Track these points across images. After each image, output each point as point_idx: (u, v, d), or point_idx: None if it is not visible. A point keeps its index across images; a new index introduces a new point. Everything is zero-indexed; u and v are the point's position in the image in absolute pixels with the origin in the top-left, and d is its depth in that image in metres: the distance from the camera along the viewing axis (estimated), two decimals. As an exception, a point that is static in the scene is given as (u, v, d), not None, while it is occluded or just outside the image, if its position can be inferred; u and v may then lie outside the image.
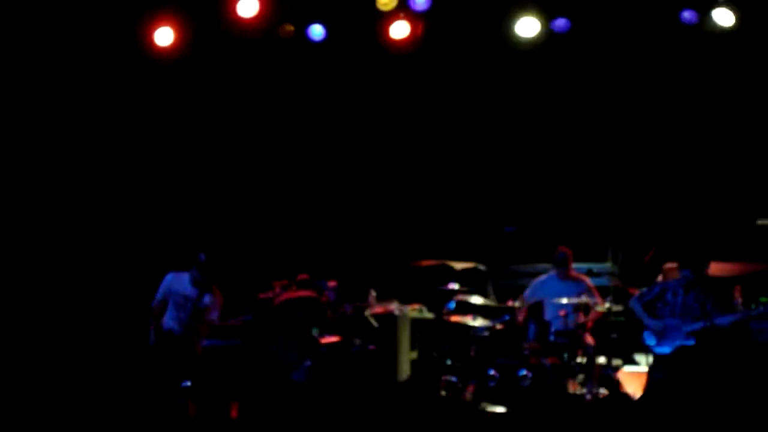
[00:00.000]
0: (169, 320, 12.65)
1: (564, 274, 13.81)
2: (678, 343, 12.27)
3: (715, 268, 12.87)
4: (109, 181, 15.45)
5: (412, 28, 14.52)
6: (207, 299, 12.54)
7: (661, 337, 12.39)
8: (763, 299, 13.23)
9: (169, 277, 12.72)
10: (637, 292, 12.88)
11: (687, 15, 14.04)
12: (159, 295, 12.70)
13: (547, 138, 15.76)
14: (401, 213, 15.98)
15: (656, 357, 12.49)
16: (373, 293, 14.37)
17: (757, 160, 14.95)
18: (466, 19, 14.54)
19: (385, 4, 14.35)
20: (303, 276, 13.99)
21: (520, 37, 14.38)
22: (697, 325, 12.17)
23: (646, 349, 13.35)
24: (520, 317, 13.78)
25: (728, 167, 15.12)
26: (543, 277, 14.03)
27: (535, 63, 15.28)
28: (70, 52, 14.74)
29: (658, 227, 14.85)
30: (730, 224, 14.72)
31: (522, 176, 15.83)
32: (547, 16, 14.31)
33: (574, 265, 13.87)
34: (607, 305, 13.47)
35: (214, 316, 12.63)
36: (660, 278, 13.73)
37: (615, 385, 13.21)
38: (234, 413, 12.38)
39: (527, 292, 14.01)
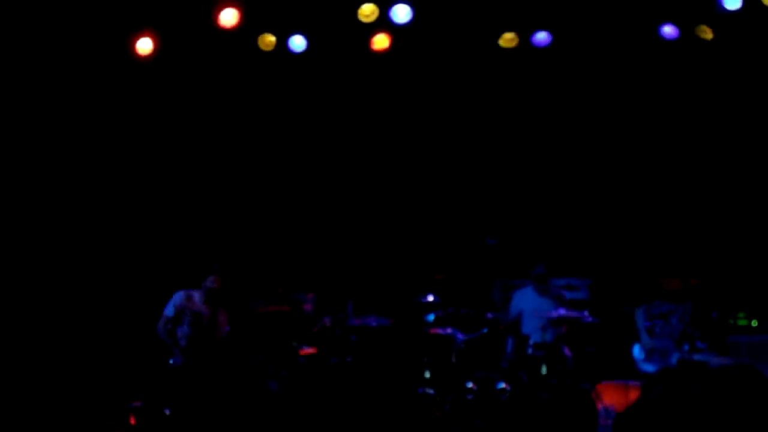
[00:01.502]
0: (182, 339, 12.65)
1: (541, 288, 13.83)
2: (663, 365, 12.31)
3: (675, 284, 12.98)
4: (83, 191, 15.42)
5: (393, 40, 14.55)
6: (221, 317, 12.58)
7: (650, 355, 12.43)
8: (741, 314, 13.30)
9: (180, 295, 12.71)
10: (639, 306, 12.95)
11: (668, 30, 14.13)
12: (170, 313, 12.67)
13: (529, 151, 15.77)
14: (381, 225, 15.95)
15: (640, 373, 12.52)
16: (352, 305, 14.36)
17: (729, 174, 15.02)
18: (447, 32, 14.57)
19: (367, 17, 14.37)
20: (278, 290, 14.00)
21: (500, 50, 14.44)
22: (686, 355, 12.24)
23: (625, 363, 13.42)
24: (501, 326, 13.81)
25: (702, 183, 15.17)
26: (521, 291, 14.05)
27: (516, 76, 15.32)
28: (49, 60, 14.68)
29: (638, 242, 14.88)
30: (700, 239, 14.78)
31: (504, 189, 15.83)
32: (528, 30, 14.37)
33: (552, 279, 13.90)
34: (580, 319, 13.52)
35: (226, 331, 12.61)
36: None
37: (593, 399, 13.20)
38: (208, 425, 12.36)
39: (510, 307, 14.02)
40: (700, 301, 12.59)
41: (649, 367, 12.54)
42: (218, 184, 16.05)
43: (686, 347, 12.19)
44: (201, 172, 15.99)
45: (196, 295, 12.70)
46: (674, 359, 12.29)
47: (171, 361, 12.70)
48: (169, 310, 12.73)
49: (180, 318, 12.66)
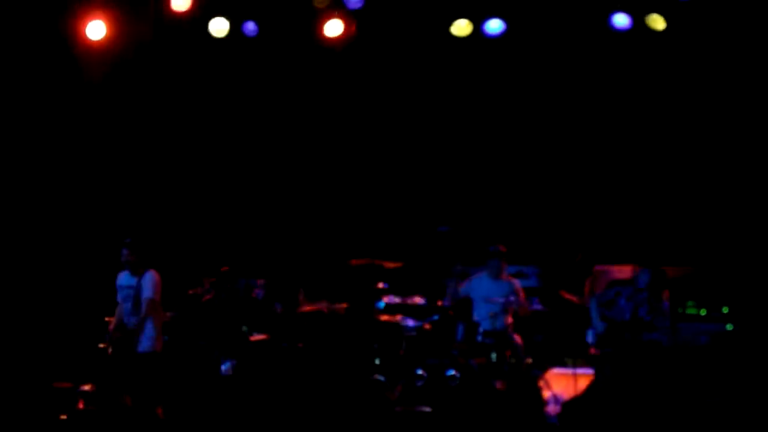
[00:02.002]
0: (122, 315, 12.62)
1: (495, 274, 13.81)
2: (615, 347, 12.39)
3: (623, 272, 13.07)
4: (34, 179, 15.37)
5: (346, 26, 14.53)
6: (143, 281, 12.48)
7: (602, 339, 12.50)
8: (690, 303, 13.38)
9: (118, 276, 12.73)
10: (591, 295, 13.01)
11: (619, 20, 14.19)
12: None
13: (480, 138, 15.79)
14: (332, 211, 15.94)
15: (596, 356, 12.57)
16: (303, 292, 14.35)
17: (685, 165, 15.10)
18: (399, 18, 14.56)
19: (320, 2, 14.34)
20: (224, 268, 13.94)
21: (453, 37, 14.45)
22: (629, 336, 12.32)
23: (574, 351, 13.51)
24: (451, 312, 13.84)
25: (652, 173, 15.25)
26: (475, 276, 14.03)
27: (469, 63, 15.33)
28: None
29: (587, 230, 14.93)
30: (650, 228, 14.85)
31: (455, 176, 15.84)
32: (480, 18, 14.39)
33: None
34: (529, 308, 13.58)
35: (147, 294, 12.48)
36: (588, 282, 13.80)
37: (542, 386, 13.26)
38: (160, 411, 12.31)
39: (460, 288, 14.01)
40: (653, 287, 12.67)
41: (602, 351, 12.61)
42: (169, 169, 16.00)
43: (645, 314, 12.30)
44: (153, 156, 15.92)
45: (125, 271, 12.71)
46: (626, 338, 12.38)
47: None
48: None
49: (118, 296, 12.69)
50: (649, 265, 12.45)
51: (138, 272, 12.40)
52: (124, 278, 12.54)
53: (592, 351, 12.65)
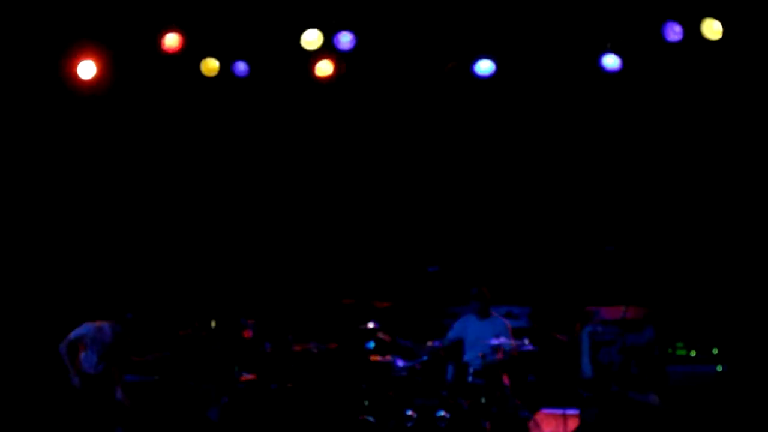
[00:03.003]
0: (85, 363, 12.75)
1: (482, 314, 13.83)
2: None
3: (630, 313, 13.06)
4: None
5: (336, 67, 14.57)
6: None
7: (589, 384, 12.51)
8: (680, 344, 13.39)
9: (87, 327, 12.80)
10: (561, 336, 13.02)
11: (608, 61, 14.26)
12: (72, 337, 12.78)
13: (470, 178, 15.82)
14: (322, 251, 15.94)
15: (582, 397, 12.58)
16: (291, 336, 14.33)
17: (672, 207, 15.15)
18: (389, 59, 14.61)
19: (310, 43, 14.37)
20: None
21: (441, 77, 14.52)
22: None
23: (563, 391, 13.49)
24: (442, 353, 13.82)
25: (639, 214, 15.29)
26: (464, 317, 14.04)
27: (458, 104, 15.37)
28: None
29: (577, 270, 14.93)
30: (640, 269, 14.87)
31: (445, 216, 15.86)
32: (469, 59, 14.46)
33: (493, 307, 13.92)
34: (516, 348, 13.59)
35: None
36: (579, 324, 13.80)
37: (531, 428, 13.23)
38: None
39: (449, 333, 14.02)
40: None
41: (586, 393, 12.61)
42: (159, 208, 16.00)
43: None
44: (142, 196, 15.93)
45: (105, 327, 12.85)
46: (612, 389, 12.38)
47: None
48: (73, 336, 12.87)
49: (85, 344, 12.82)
50: (653, 319, 12.52)
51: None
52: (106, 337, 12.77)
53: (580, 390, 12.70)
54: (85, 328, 12.92)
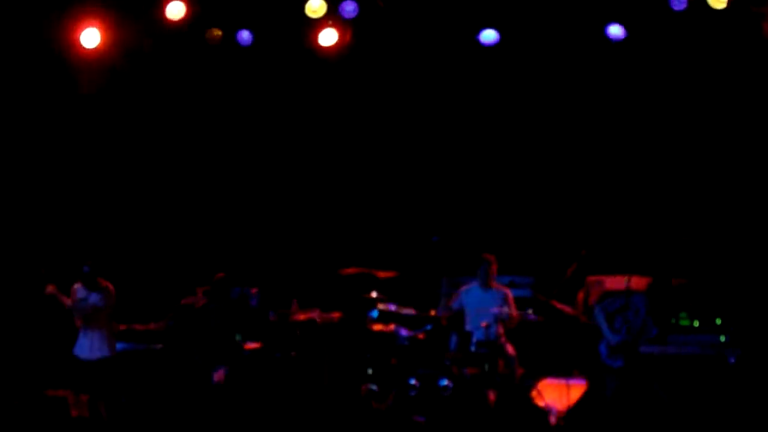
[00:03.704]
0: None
1: (486, 284, 13.83)
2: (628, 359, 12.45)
3: (633, 283, 13.08)
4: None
5: (341, 35, 14.53)
6: (93, 298, 12.73)
7: (614, 351, 12.54)
8: (683, 314, 13.38)
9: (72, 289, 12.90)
10: (563, 305, 13.04)
11: (614, 31, 14.21)
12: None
13: (474, 147, 15.79)
14: (325, 220, 15.95)
15: (607, 368, 12.59)
16: (296, 301, 14.35)
17: (679, 173, 15.12)
18: (394, 27, 14.57)
19: (314, 12, 14.33)
20: (219, 275, 13.93)
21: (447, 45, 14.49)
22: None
23: (566, 361, 13.52)
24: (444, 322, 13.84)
25: (645, 183, 15.26)
26: (466, 287, 14.05)
27: (463, 71, 15.33)
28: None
29: (580, 241, 14.90)
30: (644, 238, 14.85)
31: (448, 185, 15.85)
32: (474, 27, 14.41)
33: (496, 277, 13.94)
34: (518, 318, 13.61)
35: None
36: (582, 293, 13.81)
37: (534, 396, 13.26)
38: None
39: (453, 302, 14.02)
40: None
41: (614, 363, 12.64)
42: (164, 177, 16.01)
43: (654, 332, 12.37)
44: (147, 164, 15.95)
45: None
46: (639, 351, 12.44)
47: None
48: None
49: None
50: (657, 289, 12.58)
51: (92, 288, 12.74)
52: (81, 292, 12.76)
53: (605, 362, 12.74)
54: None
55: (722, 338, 13.12)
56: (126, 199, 15.88)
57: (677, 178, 15.13)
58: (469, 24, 14.47)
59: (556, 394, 13.26)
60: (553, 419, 12.91)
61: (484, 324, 13.34)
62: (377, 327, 13.87)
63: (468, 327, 13.65)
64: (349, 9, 14.24)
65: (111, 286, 13.05)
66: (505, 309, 13.50)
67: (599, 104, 15.34)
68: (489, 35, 14.52)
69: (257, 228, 16.02)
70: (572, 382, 13.20)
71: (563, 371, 13.54)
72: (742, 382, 12.72)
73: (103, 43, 14.58)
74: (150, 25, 14.56)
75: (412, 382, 13.19)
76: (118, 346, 13.36)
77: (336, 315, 14.40)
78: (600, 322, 12.77)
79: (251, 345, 13.87)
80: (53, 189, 15.55)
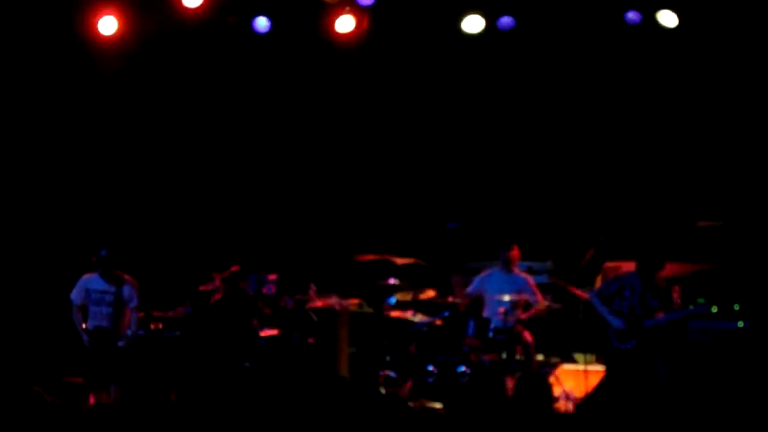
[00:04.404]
0: (93, 319, 12.75)
1: (508, 270, 13.79)
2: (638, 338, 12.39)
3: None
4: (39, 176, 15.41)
5: (358, 22, 14.50)
6: (125, 291, 12.68)
7: (623, 335, 12.49)
8: (701, 300, 13.34)
9: (83, 279, 12.80)
10: (591, 290, 13.00)
11: (631, 16, 14.13)
12: (76, 298, 12.81)
13: (491, 135, 15.77)
14: (343, 207, 15.95)
15: (621, 352, 12.54)
16: (314, 287, 14.35)
17: (695, 161, 15.05)
18: (411, 14, 14.53)
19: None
20: (235, 268, 13.93)
21: (465, 34, 14.40)
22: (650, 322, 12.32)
23: (584, 348, 13.51)
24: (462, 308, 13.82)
25: (667, 168, 15.20)
26: (486, 272, 13.99)
27: (480, 58, 15.29)
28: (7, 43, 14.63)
29: (598, 227, 14.87)
30: (668, 225, 14.79)
31: (466, 172, 15.83)
32: (493, 13, 14.35)
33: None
34: (546, 303, 13.55)
35: (134, 304, 12.78)
36: (599, 279, 13.80)
37: (552, 383, 13.23)
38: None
39: (470, 287, 13.98)
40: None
41: (626, 345, 12.60)
42: (181, 165, 16.03)
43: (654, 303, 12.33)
44: (163, 152, 15.96)
45: (95, 276, 12.87)
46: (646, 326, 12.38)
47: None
48: (74, 294, 12.93)
49: (86, 300, 12.84)
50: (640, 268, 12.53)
51: (115, 279, 12.72)
52: (99, 283, 12.75)
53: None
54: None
55: (740, 324, 13.08)
56: (143, 186, 15.89)
57: (694, 163, 15.07)
58: (488, 10, 14.42)
59: (575, 381, 13.26)
60: (571, 406, 12.89)
61: (502, 310, 13.32)
62: (395, 313, 13.88)
63: (486, 313, 13.63)
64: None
65: (133, 280, 13.03)
66: (526, 294, 13.47)
67: (619, 90, 15.28)
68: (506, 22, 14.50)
69: (275, 214, 16.03)
70: (590, 368, 13.20)
71: (581, 357, 13.57)
72: (758, 368, 12.68)
73: (120, 30, 14.58)
74: (167, 13, 14.52)
75: (430, 368, 13.19)
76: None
77: (353, 302, 14.42)
78: (598, 307, 12.68)
79: (268, 332, 13.87)
80: (70, 176, 15.55)
